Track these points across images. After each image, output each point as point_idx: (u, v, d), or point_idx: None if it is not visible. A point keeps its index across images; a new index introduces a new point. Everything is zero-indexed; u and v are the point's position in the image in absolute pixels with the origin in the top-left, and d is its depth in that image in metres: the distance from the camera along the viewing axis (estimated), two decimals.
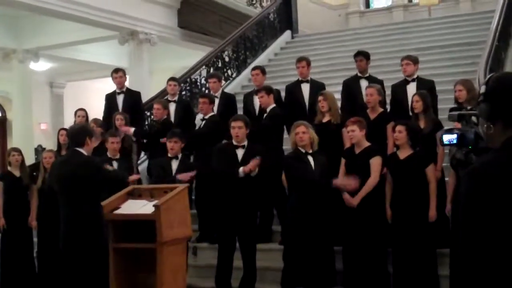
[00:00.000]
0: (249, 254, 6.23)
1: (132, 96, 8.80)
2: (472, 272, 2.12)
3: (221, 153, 6.36)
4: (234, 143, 6.32)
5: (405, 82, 7.55)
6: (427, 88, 7.12)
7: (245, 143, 6.33)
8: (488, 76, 2.30)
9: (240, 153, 6.27)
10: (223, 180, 6.28)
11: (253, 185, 6.14)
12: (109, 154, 7.09)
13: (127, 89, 8.85)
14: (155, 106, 8.08)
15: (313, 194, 5.90)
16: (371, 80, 7.71)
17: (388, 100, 7.72)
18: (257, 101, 7.78)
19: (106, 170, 5.31)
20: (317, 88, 7.75)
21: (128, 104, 8.59)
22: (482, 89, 2.27)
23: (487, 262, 2.10)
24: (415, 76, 7.54)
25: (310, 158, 6.02)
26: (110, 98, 8.77)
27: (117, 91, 8.74)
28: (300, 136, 5.99)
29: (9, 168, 7.87)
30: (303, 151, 6.05)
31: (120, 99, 8.66)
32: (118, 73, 8.76)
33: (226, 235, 6.27)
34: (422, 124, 6.57)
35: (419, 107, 6.62)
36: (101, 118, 8.71)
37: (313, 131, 6.10)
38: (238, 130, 6.25)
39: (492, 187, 2.11)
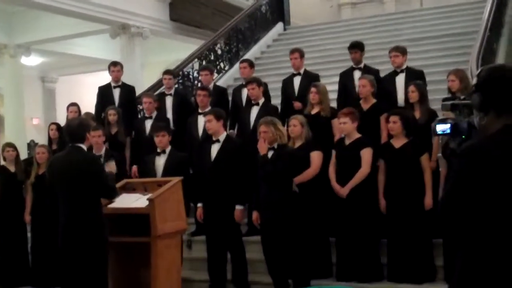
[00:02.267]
0: (235, 248, 6.25)
1: (128, 91, 8.73)
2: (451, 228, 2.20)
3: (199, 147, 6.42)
4: (213, 138, 6.32)
5: (394, 74, 7.55)
6: (416, 78, 7.13)
7: (221, 136, 6.30)
8: (480, 68, 2.33)
9: (216, 147, 6.26)
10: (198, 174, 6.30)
11: (231, 179, 6.12)
12: (94, 151, 6.87)
13: (123, 83, 8.78)
14: (146, 99, 7.97)
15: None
16: (366, 70, 7.71)
17: None
18: (245, 94, 7.78)
19: (105, 175, 5.23)
20: (310, 79, 7.70)
21: (124, 99, 8.53)
22: (474, 80, 2.31)
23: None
24: (404, 67, 7.53)
25: (270, 153, 5.90)
26: (105, 91, 8.66)
27: (113, 84, 8.65)
28: (262, 136, 5.92)
29: (3, 163, 7.87)
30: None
31: (116, 93, 8.58)
32: (116, 67, 8.67)
33: (210, 229, 6.31)
34: (417, 115, 6.58)
35: (415, 97, 6.62)
36: (93, 112, 8.67)
37: (280, 127, 5.96)
38: (208, 124, 6.28)
39: (484, 164, 2.16)
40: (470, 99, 2.42)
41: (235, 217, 6.14)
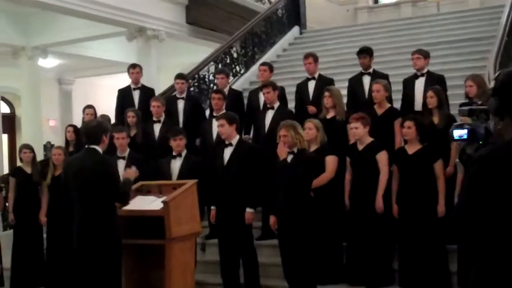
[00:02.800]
0: (246, 251, 6.23)
1: (147, 93, 8.75)
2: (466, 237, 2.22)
3: (212, 151, 6.44)
4: (226, 142, 6.33)
5: (415, 77, 7.53)
6: (437, 83, 7.09)
7: (234, 140, 6.29)
8: (498, 72, 2.31)
9: (229, 151, 6.26)
10: (212, 178, 6.33)
11: (244, 183, 6.10)
12: (118, 153, 6.95)
13: (142, 85, 8.82)
14: (154, 103, 7.91)
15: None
16: (375, 75, 7.68)
17: (399, 94, 7.71)
18: (262, 97, 7.78)
19: (117, 177, 5.24)
20: (324, 84, 7.68)
21: (143, 101, 8.54)
22: (492, 84, 2.29)
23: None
24: (425, 71, 7.49)
25: (289, 157, 5.84)
26: (125, 93, 8.71)
27: (133, 86, 8.71)
28: (282, 140, 5.86)
29: (20, 164, 7.93)
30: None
31: (136, 95, 8.64)
32: (135, 69, 8.73)
33: (222, 232, 6.31)
34: (436, 120, 6.53)
35: (433, 102, 6.56)
36: (109, 114, 8.70)
37: (300, 131, 5.88)
38: (221, 128, 6.29)
39: (498, 171, 2.14)
40: (487, 104, 2.40)
41: (245, 219, 6.12)
